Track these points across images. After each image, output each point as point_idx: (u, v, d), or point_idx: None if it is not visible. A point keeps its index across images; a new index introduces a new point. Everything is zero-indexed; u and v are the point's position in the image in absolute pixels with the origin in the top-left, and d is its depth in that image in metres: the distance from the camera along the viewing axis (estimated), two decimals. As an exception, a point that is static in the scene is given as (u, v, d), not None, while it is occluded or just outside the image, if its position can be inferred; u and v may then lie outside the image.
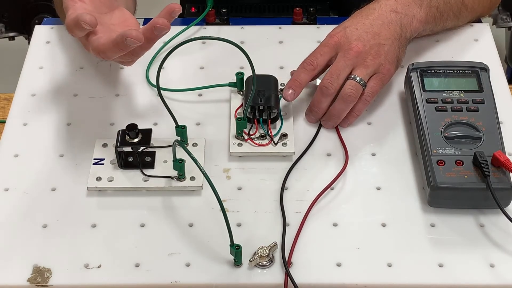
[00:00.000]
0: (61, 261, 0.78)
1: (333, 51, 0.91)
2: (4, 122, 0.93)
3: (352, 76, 0.89)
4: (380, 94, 0.95)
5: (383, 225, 0.81)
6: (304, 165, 0.87)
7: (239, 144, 0.88)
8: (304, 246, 0.79)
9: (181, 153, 0.80)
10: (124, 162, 0.85)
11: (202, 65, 1.00)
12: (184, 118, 0.91)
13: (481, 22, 1.07)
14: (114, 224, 0.81)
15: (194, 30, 1.05)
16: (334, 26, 0.94)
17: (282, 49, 1.02)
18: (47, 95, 0.96)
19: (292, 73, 0.93)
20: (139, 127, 0.83)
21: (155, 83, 0.84)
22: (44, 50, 1.03)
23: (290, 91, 0.90)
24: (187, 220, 0.82)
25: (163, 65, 0.81)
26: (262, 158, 0.88)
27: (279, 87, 0.93)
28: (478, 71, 0.91)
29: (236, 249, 0.75)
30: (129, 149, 0.85)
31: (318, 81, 0.92)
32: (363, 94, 0.89)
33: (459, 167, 0.81)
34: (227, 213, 0.74)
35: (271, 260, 0.77)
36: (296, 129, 0.90)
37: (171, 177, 0.84)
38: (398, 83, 0.96)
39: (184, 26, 1.04)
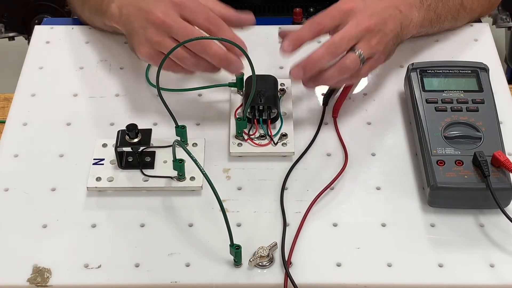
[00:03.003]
0: (61, 261, 0.78)
1: (344, 18, 0.87)
2: (4, 122, 0.93)
3: (357, 50, 0.86)
4: (380, 94, 0.95)
5: (383, 225, 0.81)
6: (304, 165, 0.87)
7: (239, 144, 0.88)
8: (304, 246, 0.79)
9: (181, 153, 0.80)
10: (124, 162, 0.85)
11: (202, 65, 1.00)
12: (184, 118, 0.91)
13: (481, 22, 1.07)
14: (114, 224, 0.81)
15: (194, 30, 1.05)
16: (333, 26, 0.94)
17: (282, 49, 1.02)
18: (47, 95, 0.96)
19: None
20: (139, 127, 0.83)
21: (155, 83, 0.84)
22: (44, 50, 1.03)
23: (288, 42, 0.85)
24: (187, 220, 0.82)
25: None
26: (262, 158, 0.88)
27: (279, 87, 0.93)
28: (478, 71, 0.91)
29: (236, 249, 0.75)
30: (129, 149, 0.85)
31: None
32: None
33: (459, 167, 0.81)
34: (227, 213, 0.74)
35: (271, 260, 0.77)
36: (296, 129, 0.90)
37: (171, 177, 0.84)
38: (398, 83, 0.96)
39: (184, 26, 1.04)
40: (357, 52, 0.86)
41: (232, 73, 0.87)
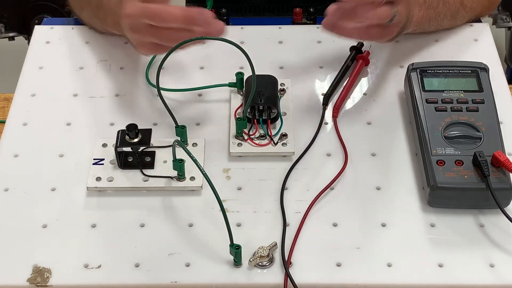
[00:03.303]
0: (61, 261, 0.78)
1: None
2: (4, 122, 0.93)
3: (395, 9, 0.86)
4: (380, 94, 0.95)
5: (383, 225, 0.81)
6: (304, 165, 0.87)
7: (239, 144, 0.88)
8: (304, 246, 0.79)
9: (181, 153, 0.80)
10: (124, 162, 0.85)
11: (202, 65, 1.00)
12: (184, 118, 0.91)
13: (481, 22, 1.07)
14: (114, 224, 0.81)
15: (194, 30, 1.05)
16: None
17: (282, 49, 1.02)
18: (47, 95, 0.96)
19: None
20: (139, 127, 0.83)
21: (155, 83, 0.84)
22: (44, 50, 1.03)
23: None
24: (187, 220, 0.82)
25: (163, 65, 0.81)
26: (262, 158, 0.88)
27: (279, 87, 0.93)
28: (478, 71, 0.91)
29: (236, 249, 0.75)
30: (129, 149, 0.85)
31: None
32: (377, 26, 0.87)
33: (459, 167, 0.81)
34: (227, 213, 0.74)
35: (271, 260, 0.77)
36: (296, 129, 0.90)
37: (171, 177, 0.84)
38: (398, 83, 0.96)
39: (184, 26, 1.04)
40: (393, 10, 0.86)
41: (202, 25, 0.83)
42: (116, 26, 0.93)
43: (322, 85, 0.97)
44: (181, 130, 0.87)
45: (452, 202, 0.82)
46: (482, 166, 0.80)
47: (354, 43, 0.99)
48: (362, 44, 0.99)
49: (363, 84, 0.97)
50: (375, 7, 0.85)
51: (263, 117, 0.89)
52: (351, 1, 0.84)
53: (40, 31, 1.06)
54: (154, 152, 0.87)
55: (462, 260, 0.78)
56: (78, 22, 1.08)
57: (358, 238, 0.80)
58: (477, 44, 1.03)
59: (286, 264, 0.77)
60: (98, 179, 0.84)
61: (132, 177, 0.84)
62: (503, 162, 0.80)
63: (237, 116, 0.90)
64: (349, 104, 0.95)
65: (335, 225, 0.81)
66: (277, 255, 0.78)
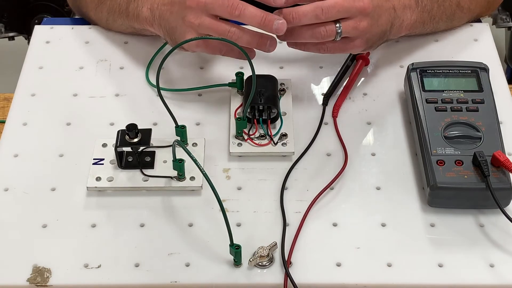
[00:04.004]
0: (61, 261, 0.78)
1: None
2: (4, 122, 0.93)
3: (338, 24, 0.84)
4: (380, 94, 0.95)
5: (383, 225, 0.81)
6: (304, 165, 0.87)
7: (239, 144, 0.88)
8: (304, 246, 0.79)
9: (181, 153, 0.80)
10: (124, 162, 0.85)
11: (202, 65, 1.00)
12: (184, 118, 0.91)
13: (481, 22, 1.07)
14: (114, 224, 0.81)
15: (194, 30, 1.05)
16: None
17: (282, 49, 1.02)
18: (47, 95, 0.96)
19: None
20: (139, 127, 0.83)
21: (155, 83, 0.84)
22: (44, 50, 1.03)
23: None
24: (187, 220, 0.82)
25: (163, 65, 0.81)
26: (262, 158, 0.88)
27: (279, 87, 0.93)
28: (477, 71, 0.91)
29: (236, 249, 0.75)
30: (129, 149, 0.85)
31: None
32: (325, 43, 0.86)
33: (459, 167, 0.81)
34: (227, 213, 0.74)
35: (271, 260, 0.77)
36: (296, 129, 0.90)
37: (171, 177, 0.84)
38: (398, 83, 0.96)
39: (184, 26, 1.04)
40: (337, 26, 0.84)
41: (275, 33, 0.84)
42: (150, 20, 0.92)
43: (322, 85, 0.97)
44: (181, 130, 0.87)
45: (452, 202, 0.82)
46: (482, 166, 0.80)
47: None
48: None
49: (363, 84, 0.97)
50: (312, 28, 0.84)
51: (263, 117, 0.89)
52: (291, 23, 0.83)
53: (40, 31, 1.06)
54: (154, 152, 0.87)
55: (462, 260, 0.78)
56: (78, 22, 1.08)
57: (358, 238, 0.80)
58: (477, 44, 1.03)
59: (286, 264, 0.77)
60: (98, 179, 0.84)
61: (132, 177, 0.84)
62: (503, 162, 0.80)
63: (237, 116, 0.90)
64: (349, 104, 0.95)
65: (335, 225, 0.81)
66: (277, 255, 0.78)
